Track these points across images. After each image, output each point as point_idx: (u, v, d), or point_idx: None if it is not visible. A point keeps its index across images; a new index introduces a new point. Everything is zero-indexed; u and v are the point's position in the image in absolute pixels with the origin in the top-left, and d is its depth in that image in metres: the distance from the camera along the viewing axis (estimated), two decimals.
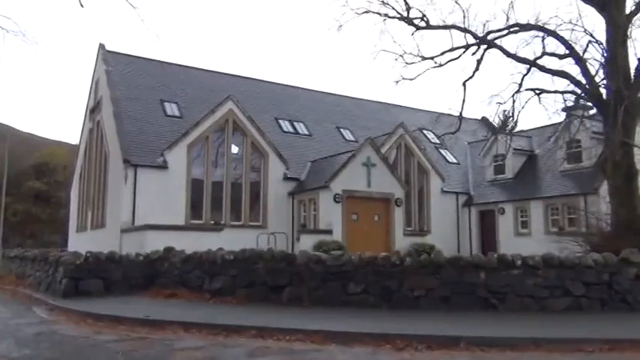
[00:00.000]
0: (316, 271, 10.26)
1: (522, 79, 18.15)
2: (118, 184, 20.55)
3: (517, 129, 29.09)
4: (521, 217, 25.41)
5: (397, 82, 20.28)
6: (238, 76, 29.02)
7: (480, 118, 37.63)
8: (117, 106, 22.25)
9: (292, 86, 30.63)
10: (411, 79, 20.34)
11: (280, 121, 26.66)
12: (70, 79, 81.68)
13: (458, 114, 18.15)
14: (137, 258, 13.83)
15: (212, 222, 19.11)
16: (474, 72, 18.04)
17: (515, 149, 27.16)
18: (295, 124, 27.11)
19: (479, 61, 17.81)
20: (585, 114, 25.24)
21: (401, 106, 34.57)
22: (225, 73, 28.66)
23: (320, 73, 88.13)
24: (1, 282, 18.45)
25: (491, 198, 27.12)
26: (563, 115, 21.74)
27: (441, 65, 19.80)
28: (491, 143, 28.26)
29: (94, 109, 25.66)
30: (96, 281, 13.04)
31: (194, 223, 20.37)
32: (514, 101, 18.24)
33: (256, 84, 28.85)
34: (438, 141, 31.49)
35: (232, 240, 17.60)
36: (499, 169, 27.82)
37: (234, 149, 22.63)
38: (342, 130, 28.69)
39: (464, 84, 18.26)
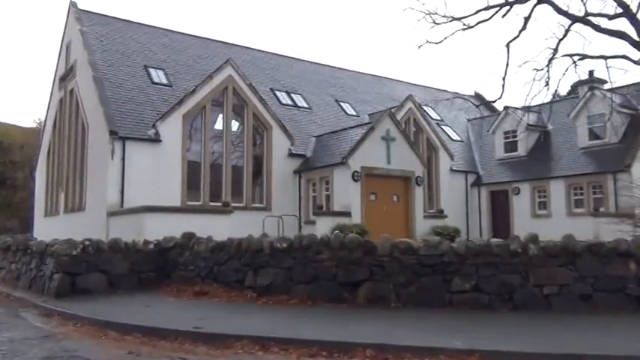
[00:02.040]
0: (406, 263, 7.95)
1: (558, 44, 16.30)
2: (101, 161, 17.60)
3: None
4: (539, 197, 23.72)
5: (420, 46, 18.15)
6: (228, 42, 26.10)
7: (473, 93, 35.81)
8: (96, 70, 19.15)
9: (285, 56, 27.90)
10: (436, 43, 18.21)
11: (277, 92, 24.01)
12: (24, 51, 75.38)
13: (502, 77, 16.00)
14: (146, 246, 11.19)
15: (222, 203, 16.48)
16: (521, 31, 15.97)
17: (529, 125, 25.47)
18: (293, 95, 24.51)
19: (526, 19, 15.72)
20: (600, 86, 23.81)
21: (396, 80, 32.44)
22: (214, 40, 25.70)
23: (308, 42, 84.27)
24: None
25: (503, 177, 25.36)
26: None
27: (470, 27, 17.75)
28: (501, 119, 26.45)
29: (65, 77, 22.36)
30: (97, 276, 10.37)
31: (196, 205, 17.69)
32: (549, 68, 16.46)
33: (248, 52, 26.04)
34: (439, 117, 29.64)
35: (236, 224, 15.18)
36: (510, 147, 26.06)
37: (235, 125, 19.96)
38: (341, 103, 26.29)
39: (507, 45, 16.18)
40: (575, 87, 24.99)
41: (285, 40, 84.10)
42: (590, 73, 25.06)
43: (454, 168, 25.53)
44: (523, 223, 23.55)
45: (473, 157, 27.69)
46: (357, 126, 20.66)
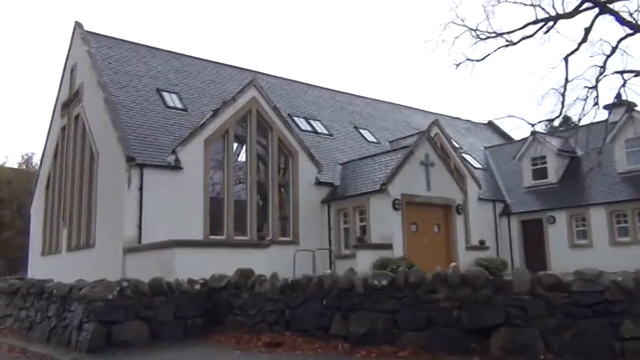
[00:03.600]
0: (554, 303, 6.27)
1: (605, 61, 15.19)
2: (115, 191, 15.77)
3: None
4: (577, 226, 22.26)
5: (458, 64, 17.06)
6: (241, 67, 24.70)
7: (486, 122, 34.74)
8: (107, 92, 17.50)
9: (299, 82, 26.56)
10: (477, 60, 17.11)
11: (295, 118, 22.50)
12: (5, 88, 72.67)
13: (560, 93, 14.72)
14: (192, 287, 9.31)
15: (257, 235, 14.70)
16: (580, 44, 14.75)
17: (559, 150, 24.27)
18: (312, 122, 23.04)
19: (587, 30, 14.52)
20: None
21: (411, 108, 31.25)
22: (226, 64, 24.29)
23: (319, 69, 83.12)
24: None
25: (534, 206, 23.91)
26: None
27: (513, 44, 16.67)
28: (528, 145, 25.17)
29: (69, 102, 20.61)
30: (137, 324, 8.46)
31: (222, 239, 15.85)
32: (596, 87, 15.32)
33: (262, 77, 24.48)
34: (457, 145, 28.34)
35: (264, 259, 13.46)
36: (539, 174, 24.71)
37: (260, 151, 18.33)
38: (360, 130, 24.87)
39: (566, 59, 14.92)
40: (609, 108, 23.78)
41: (293, 67, 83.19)
42: (618, 95, 24.05)
43: (481, 197, 24.05)
44: (560, 253, 22.08)
45: (497, 185, 26.29)
46: (390, 151, 19.19)
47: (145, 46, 22.24)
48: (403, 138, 24.73)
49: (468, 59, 17.08)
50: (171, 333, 8.73)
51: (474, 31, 16.34)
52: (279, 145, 18.39)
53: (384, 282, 7.18)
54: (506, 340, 6.41)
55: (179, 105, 19.10)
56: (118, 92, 18.08)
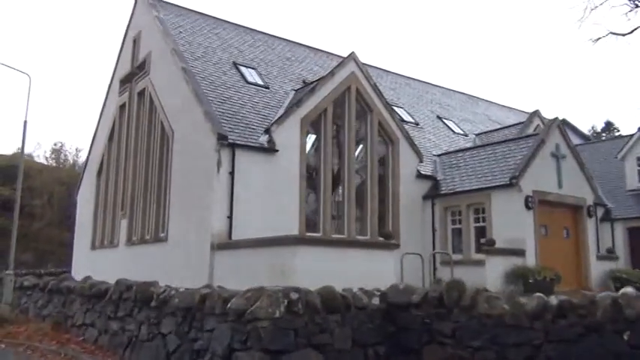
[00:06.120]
0: None
1: None
2: (199, 176, 13.23)
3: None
4: None
5: (598, 39, 14.41)
6: (315, 48, 22.11)
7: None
8: (184, 61, 15.00)
9: (374, 66, 23.85)
10: (623, 35, 14.45)
11: None
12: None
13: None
14: (370, 302, 6.68)
15: (383, 234, 12.07)
16: None
17: None
18: (395, 108, 20.33)
19: None
20: None
21: (487, 100, 28.44)
22: (299, 43, 21.71)
23: (378, 51, 79.92)
24: (12, 330, 10.87)
25: None
26: None
27: None
28: (634, 142, 22.27)
29: (131, 77, 18.15)
30: (309, 354, 5.85)
31: (343, 238, 13.31)
32: None
33: (334, 58, 21.89)
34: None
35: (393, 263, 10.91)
36: None
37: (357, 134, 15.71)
38: (445, 120, 22.16)
39: None
40: None
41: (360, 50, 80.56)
42: None
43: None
44: None
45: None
46: (512, 139, 16.37)
47: (213, 17, 19.76)
48: (494, 131, 22.09)
49: (613, 33, 14.45)
50: None
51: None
52: (379, 129, 15.74)
53: None
54: None
55: (259, 81, 16.56)
56: (195, 63, 15.58)
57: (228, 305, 5.92)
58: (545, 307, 5.48)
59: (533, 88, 75.14)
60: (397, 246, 11.23)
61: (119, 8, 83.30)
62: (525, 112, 29.70)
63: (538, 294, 5.68)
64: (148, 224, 15.59)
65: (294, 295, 5.88)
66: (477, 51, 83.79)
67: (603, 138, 43.36)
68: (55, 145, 47.33)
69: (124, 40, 19.42)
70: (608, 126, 51.86)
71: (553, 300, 5.47)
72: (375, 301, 6.70)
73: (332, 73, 15.05)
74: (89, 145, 21.60)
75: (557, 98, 72.84)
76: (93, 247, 19.26)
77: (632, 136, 22.72)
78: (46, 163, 47.28)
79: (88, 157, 21.76)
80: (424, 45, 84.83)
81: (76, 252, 21.11)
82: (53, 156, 48.54)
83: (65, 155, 48.56)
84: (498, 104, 28.78)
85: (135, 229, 16.25)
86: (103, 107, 20.71)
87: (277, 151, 13.44)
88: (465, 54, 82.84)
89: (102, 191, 19.35)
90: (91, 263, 18.69)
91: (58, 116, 65.91)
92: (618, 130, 49.78)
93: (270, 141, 13.45)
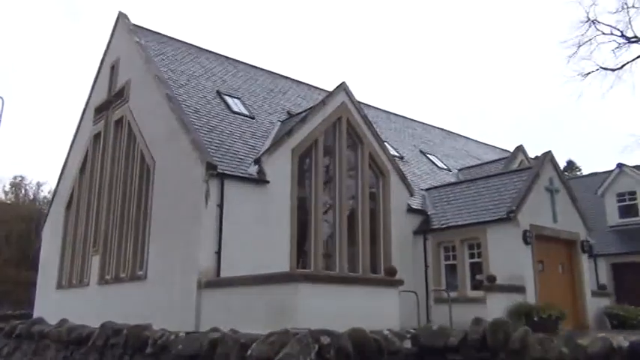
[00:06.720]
0: None
1: None
2: (184, 209, 12.35)
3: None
4: None
5: (587, 74, 14.50)
6: (296, 80, 21.70)
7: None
8: (169, 88, 14.30)
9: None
10: (612, 70, 14.56)
11: None
12: None
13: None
14: (402, 345, 5.95)
15: (386, 270, 11.34)
16: None
17: None
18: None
19: None
20: None
21: (464, 136, 28.48)
22: (281, 75, 21.28)
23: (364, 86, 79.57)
24: None
25: (627, 247, 21.03)
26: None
27: None
28: (613, 179, 22.50)
29: (107, 105, 17.27)
30: None
31: (348, 275, 12.54)
32: None
33: (318, 92, 21.59)
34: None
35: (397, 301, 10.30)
36: (627, 211, 21.97)
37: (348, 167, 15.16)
38: (428, 155, 21.92)
39: None
40: None
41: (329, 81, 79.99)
42: None
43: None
44: None
45: None
46: (505, 173, 16.12)
47: (195, 46, 19.19)
48: (476, 166, 21.95)
49: (602, 68, 14.54)
50: None
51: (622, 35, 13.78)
52: (370, 161, 15.25)
53: None
54: None
55: (244, 111, 15.97)
56: (178, 91, 14.90)
57: (249, 352, 5.12)
58: (612, 349, 4.89)
59: (493, 126, 76.71)
60: (402, 282, 10.54)
61: (78, 35, 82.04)
62: (502, 149, 29.96)
63: (601, 334, 5.10)
64: (124, 261, 14.49)
65: (324, 340, 5.12)
66: (439, 86, 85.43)
67: (567, 175, 44.15)
68: (15, 178, 45.10)
69: (100, 67, 18.59)
70: (570, 165, 52.89)
71: (623, 342, 4.88)
72: (407, 344, 6.00)
73: (323, 102, 14.58)
74: (57, 177, 20.38)
75: (517, 136, 74.42)
76: (59, 286, 17.88)
77: (610, 172, 22.98)
78: (4, 198, 45.18)
79: (55, 190, 20.49)
80: (396, 80, 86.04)
81: (39, 292, 19.58)
82: (12, 190, 46.41)
83: (25, 190, 46.47)
84: (475, 140, 28.88)
85: (109, 266, 15.10)
86: (75, 137, 19.64)
87: (268, 182, 12.74)
88: (427, 89, 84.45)
89: (71, 225, 18.12)
90: (57, 304, 17.25)
91: (16, 148, 63.47)
92: (579, 170, 50.42)
93: (261, 171, 12.76)
